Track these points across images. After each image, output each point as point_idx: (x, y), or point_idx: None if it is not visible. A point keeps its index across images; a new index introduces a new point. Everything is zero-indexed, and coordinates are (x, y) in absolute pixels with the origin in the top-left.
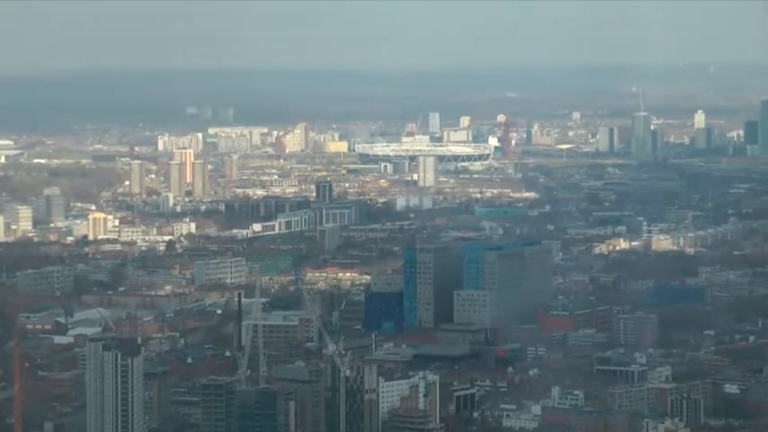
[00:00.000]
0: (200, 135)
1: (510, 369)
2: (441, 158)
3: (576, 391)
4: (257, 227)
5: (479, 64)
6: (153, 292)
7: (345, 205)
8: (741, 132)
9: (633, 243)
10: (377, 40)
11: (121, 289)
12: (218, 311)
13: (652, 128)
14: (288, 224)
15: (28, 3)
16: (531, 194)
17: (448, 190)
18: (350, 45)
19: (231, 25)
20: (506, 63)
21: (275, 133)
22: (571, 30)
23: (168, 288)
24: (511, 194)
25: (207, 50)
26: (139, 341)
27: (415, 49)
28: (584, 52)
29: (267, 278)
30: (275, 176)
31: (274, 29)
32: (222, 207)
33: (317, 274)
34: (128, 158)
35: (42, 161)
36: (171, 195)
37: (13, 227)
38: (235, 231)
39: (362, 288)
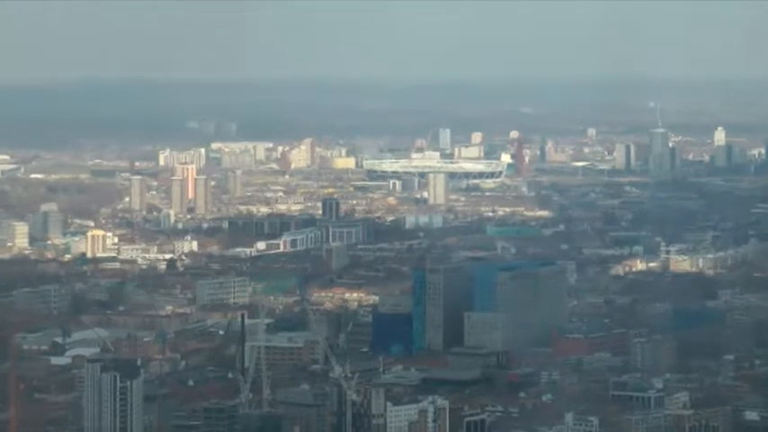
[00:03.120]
0: (202, 150)
1: (522, 394)
2: (451, 176)
3: (591, 418)
4: (261, 245)
5: (492, 77)
6: (153, 312)
7: (353, 223)
8: (763, 150)
9: (651, 264)
10: (385, 50)
11: (121, 309)
12: (221, 332)
13: (670, 145)
14: (293, 243)
15: (23, 6)
16: (544, 213)
17: (459, 208)
18: (357, 56)
19: (234, 35)
20: (520, 76)
21: (280, 148)
22: (586, 42)
23: (169, 308)
24: (524, 213)
25: (209, 61)
26: (139, 363)
27: (425, 61)
28: (600, 65)
29: (271, 298)
30: (280, 193)
31: (279, 39)
32: (225, 224)
33: (323, 295)
34: (128, 174)
35: (40, 176)
36: (172, 212)
37: (9, 244)
38: (238, 250)
39: (370, 309)
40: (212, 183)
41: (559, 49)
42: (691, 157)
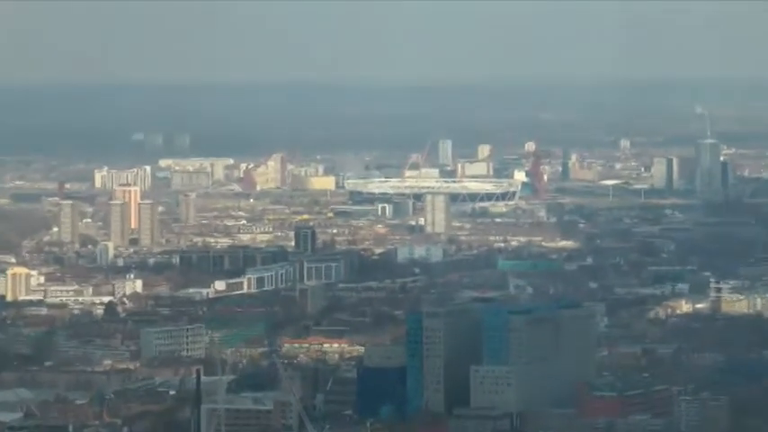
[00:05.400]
0: (148, 168)
1: None
2: (453, 198)
3: None
4: (221, 285)
5: (503, 78)
6: (88, 368)
7: (333, 257)
8: None
9: (698, 305)
10: (373, 47)
11: (48, 364)
12: (172, 392)
13: (722, 159)
14: (259, 281)
15: None
16: (568, 243)
17: (463, 238)
18: (339, 54)
19: (192, 32)
20: (537, 77)
21: (243, 166)
22: (618, 37)
23: (108, 363)
24: (543, 243)
25: (159, 62)
26: (71, 430)
27: (422, 60)
28: (634, 64)
29: (233, 350)
30: (243, 221)
31: (245, 36)
32: (176, 260)
33: (296, 345)
34: (56, 198)
35: None
36: (111, 245)
37: None
38: (192, 291)
39: (354, 363)
40: (160, 208)
41: (585, 44)
42: (746, 173)
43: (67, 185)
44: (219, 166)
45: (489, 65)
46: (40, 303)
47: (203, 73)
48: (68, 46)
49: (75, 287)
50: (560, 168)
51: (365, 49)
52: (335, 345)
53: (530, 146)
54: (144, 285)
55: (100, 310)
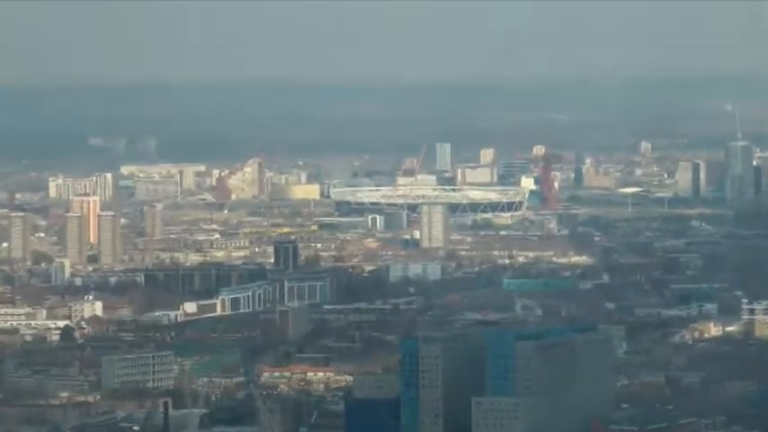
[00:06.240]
0: (109, 176)
1: None
2: (453, 208)
3: None
4: (191, 307)
5: (508, 75)
6: (42, 401)
7: (317, 275)
8: None
9: (728, 328)
10: (364, 42)
11: None
12: (136, 428)
13: (754, 163)
14: (235, 303)
15: None
16: (582, 259)
17: (463, 253)
18: (324, 49)
19: (157, 27)
20: (547, 74)
21: (216, 173)
22: (636, 30)
23: (64, 395)
24: (554, 259)
25: (120, 60)
26: None
27: (417, 55)
28: (655, 58)
29: (205, 380)
30: (216, 235)
31: (219, 31)
32: (141, 279)
33: (276, 374)
34: (6, 210)
35: None
36: (67, 262)
37: None
38: (159, 314)
39: (341, 394)
40: (123, 221)
41: (599, 36)
42: None
43: (18, 195)
44: (189, 173)
45: (492, 61)
46: None
47: (170, 70)
48: (19, 45)
49: (28, 310)
50: (573, 174)
51: (355, 45)
52: (320, 374)
53: (539, 149)
54: (105, 308)
55: (55, 336)
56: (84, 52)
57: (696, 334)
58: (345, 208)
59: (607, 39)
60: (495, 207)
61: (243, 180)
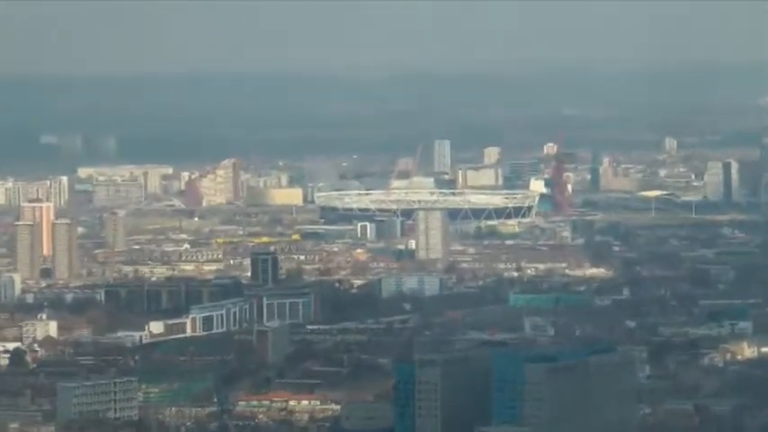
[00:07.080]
0: (64, 179)
1: None
2: (453, 214)
3: None
4: (158, 327)
5: (515, 66)
6: None
7: (300, 291)
8: None
9: (764, 349)
10: (353, 29)
11: None
12: None
13: None
14: (207, 322)
15: None
16: (599, 271)
17: (465, 265)
18: (308, 39)
19: (121, 18)
20: (558, 64)
21: (186, 175)
22: (658, 15)
23: (14, 426)
24: (567, 272)
25: (76, 52)
26: None
27: (413, 44)
28: (680, 46)
29: (175, 410)
30: (186, 245)
31: (187, 22)
32: (101, 296)
33: (254, 403)
34: None
35: None
36: (18, 277)
37: None
38: (122, 335)
39: (328, 424)
40: (80, 230)
41: (614, 25)
42: None
43: None
44: (155, 176)
45: (497, 50)
46: None
47: (132, 63)
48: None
49: None
50: (589, 176)
51: (343, 33)
52: (304, 402)
53: (550, 148)
54: (60, 328)
55: (4, 360)
56: (34, 43)
57: (728, 356)
58: (331, 215)
59: (625, 25)
60: (500, 213)
61: (216, 183)
